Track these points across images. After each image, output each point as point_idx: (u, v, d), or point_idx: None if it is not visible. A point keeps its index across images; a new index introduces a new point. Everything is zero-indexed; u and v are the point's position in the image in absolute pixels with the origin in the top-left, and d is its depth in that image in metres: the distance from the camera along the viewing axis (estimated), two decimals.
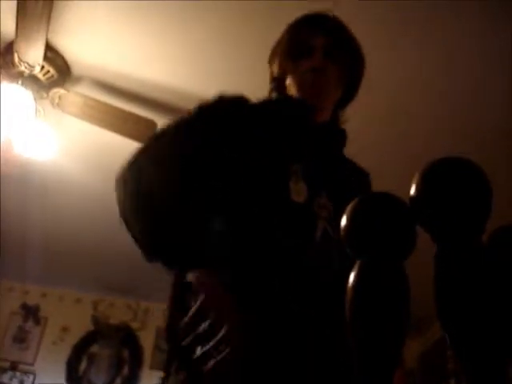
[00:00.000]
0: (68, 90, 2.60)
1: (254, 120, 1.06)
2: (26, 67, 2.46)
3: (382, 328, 0.39)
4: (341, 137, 1.27)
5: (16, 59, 2.41)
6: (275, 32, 1.30)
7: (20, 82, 2.53)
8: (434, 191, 0.41)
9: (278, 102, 1.20)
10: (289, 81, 1.24)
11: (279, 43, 1.30)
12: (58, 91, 2.58)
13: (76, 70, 2.64)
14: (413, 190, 0.42)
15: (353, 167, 1.29)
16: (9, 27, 2.38)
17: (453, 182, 0.40)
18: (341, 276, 0.62)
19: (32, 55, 2.39)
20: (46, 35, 2.26)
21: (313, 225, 1.05)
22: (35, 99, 2.57)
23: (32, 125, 2.60)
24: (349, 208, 0.43)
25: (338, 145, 1.27)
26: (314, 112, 1.18)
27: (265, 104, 1.13)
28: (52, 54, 2.52)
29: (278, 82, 1.27)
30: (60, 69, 2.59)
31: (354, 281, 0.40)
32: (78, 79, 2.69)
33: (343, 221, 0.43)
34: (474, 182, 0.41)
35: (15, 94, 2.49)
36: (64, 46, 2.54)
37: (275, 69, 1.29)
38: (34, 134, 2.64)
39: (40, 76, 2.57)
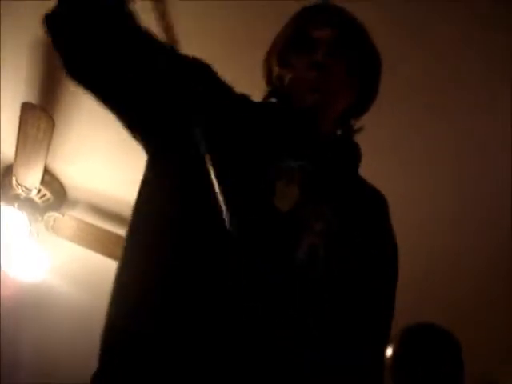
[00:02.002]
0: (63, 214, 2.62)
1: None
2: (23, 190, 2.50)
3: None
4: (354, 152, 1.11)
5: (14, 182, 2.45)
6: None
7: (16, 205, 2.55)
8: (409, 357, 0.47)
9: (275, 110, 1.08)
10: (287, 79, 1.06)
11: (278, 37, 1.14)
12: (52, 215, 2.60)
13: (72, 193, 2.68)
14: (390, 353, 0.47)
15: (370, 189, 1.11)
16: (7, 150, 2.43)
17: (425, 348, 0.47)
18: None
19: (30, 179, 2.43)
20: (45, 160, 2.31)
21: (293, 240, 0.89)
22: (30, 221, 2.58)
23: (26, 247, 2.59)
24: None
25: (351, 161, 1.10)
26: (315, 121, 1.04)
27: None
28: (49, 178, 2.57)
29: (275, 81, 1.10)
30: (56, 192, 2.63)
31: None
32: (74, 203, 2.72)
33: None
34: (443, 349, 0.46)
35: (11, 216, 2.51)
36: (61, 170, 2.59)
37: (273, 65, 1.11)
38: (27, 256, 2.62)
39: (36, 199, 2.60)
